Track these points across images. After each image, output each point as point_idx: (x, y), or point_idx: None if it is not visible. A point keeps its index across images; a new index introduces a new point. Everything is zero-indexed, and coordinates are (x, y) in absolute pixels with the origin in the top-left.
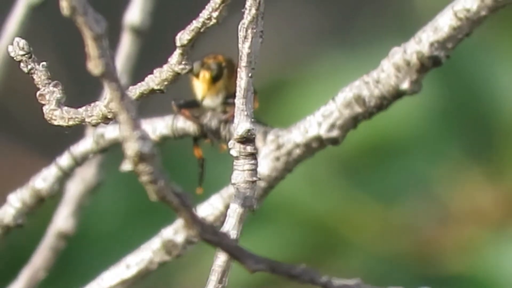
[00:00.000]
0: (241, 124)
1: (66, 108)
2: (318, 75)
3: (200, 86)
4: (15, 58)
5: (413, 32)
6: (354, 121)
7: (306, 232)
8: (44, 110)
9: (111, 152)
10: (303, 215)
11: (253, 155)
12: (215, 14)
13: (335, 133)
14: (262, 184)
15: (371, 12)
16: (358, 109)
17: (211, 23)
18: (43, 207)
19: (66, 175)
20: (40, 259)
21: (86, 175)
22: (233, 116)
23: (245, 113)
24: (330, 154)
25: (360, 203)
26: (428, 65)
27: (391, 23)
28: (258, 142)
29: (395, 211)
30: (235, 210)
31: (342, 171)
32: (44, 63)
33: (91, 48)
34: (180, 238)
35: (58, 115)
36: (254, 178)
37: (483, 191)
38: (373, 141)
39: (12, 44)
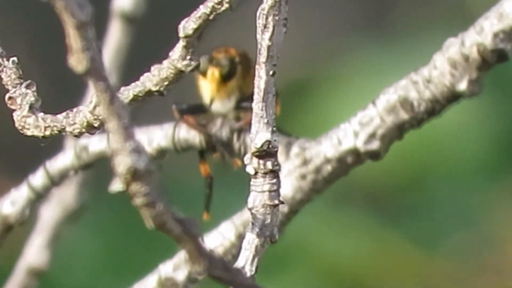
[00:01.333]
0: (259, 134)
1: (41, 114)
2: (354, 73)
3: (208, 87)
4: None
5: (467, 20)
6: (399, 130)
7: (329, 280)
8: (14, 117)
9: (97, 168)
10: (326, 260)
11: (274, 173)
12: None
13: (375, 145)
14: (284, 208)
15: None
16: (404, 115)
17: (223, 8)
18: (11, 236)
19: (40, 197)
20: None
21: (65, 198)
22: (249, 124)
23: (265, 120)
24: (357, 183)
25: (393, 246)
26: (491, 60)
27: (441, 8)
28: (280, 156)
29: (437, 256)
30: (251, 241)
31: (371, 205)
32: (15, 58)
33: (73, 39)
34: (181, 275)
35: (32, 123)
36: (276, 202)
37: None
38: (410, 166)
39: None
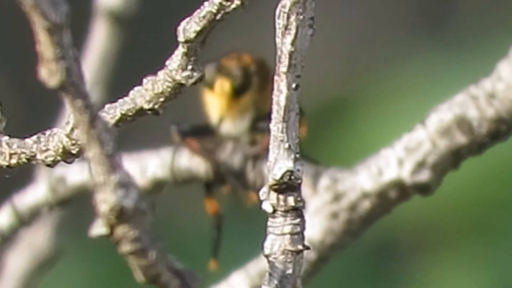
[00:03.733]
0: (279, 162)
1: (6, 138)
2: (398, 87)
3: (216, 103)
4: None
5: None
6: (454, 158)
7: None
8: None
9: (75, 206)
10: None
11: (298, 211)
12: None
13: (425, 175)
14: (311, 255)
15: None
16: (461, 139)
17: (233, 5)
18: None
19: (5, 241)
20: None
21: (36, 242)
22: (266, 150)
23: (286, 144)
24: (401, 224)
25: None
26: None
27: (508, 9)
28: (306, 189)
29: None
30: None
31: (418, 254)
32: None
33: (45, 45)
34: None
35: None
36: (299, 247)
37: None
38: (469, 202)
39: None
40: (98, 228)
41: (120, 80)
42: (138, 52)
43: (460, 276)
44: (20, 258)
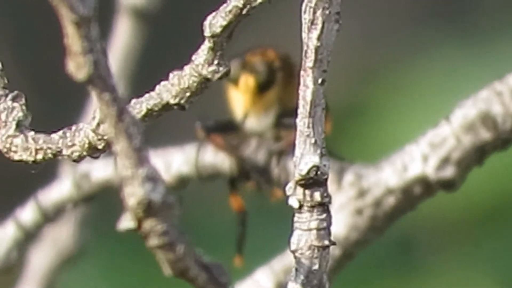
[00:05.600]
0: (305, 158)
1: (32, 133)
2: (422, 81)
3: (240, 99)
4: None
5: None
6: (479, 154)
7: None
8: None
9: (101, 201)
10: None
11: (324, 206)
12: None
13: (449, 171)
14: (336, 251)
15: None
16: (485, 135)
17: (259, 0)
18: None
19: (29, 237)
20: None
21: (60, 238)
22: (291, 145)
23: (312, 140)
24: (426, 220)
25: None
26: None
27: None
28: (331, 185)
29: None
30: None
31: (443, 248)
32: None
33: (73, 39)
34: None
35: (20, 145)
36: (326, 242)
37: None
38: (493, 198)
39: None
40: (126, 222)
41: (146, 75)
42: (163, 47)
43: (480, 272)
44: (44, 254)
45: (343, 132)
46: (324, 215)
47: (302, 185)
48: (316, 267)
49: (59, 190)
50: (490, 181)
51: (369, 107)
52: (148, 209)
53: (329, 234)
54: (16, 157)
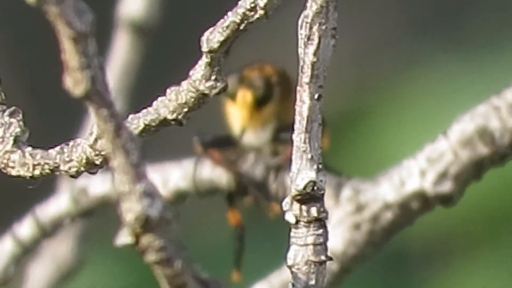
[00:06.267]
0: (301, 173)
1: (29, 149)
2: (420, 96)
3: (238, 114)
4: None
5: None
6: (477, 169)
7: None
8: None
9: (98, 217)
10: None
11: (321, 222)
12: (262, 2)
13: (447, 186)
14: (333, 266)
15: (491, 1)
16: (483, 149)
17: (257, 15)
18: None
19: (27, 252)
20: None
21: (58, 253)
22: (289, 161)
23: (308, 155)
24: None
25: None
26: None
27: None
28: (328, 200)
29: None
30: None
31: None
32: None
33: (70, 54)
34: None
35: (17, 160)
36: (322, 258)
37: None
38: (491, 213)
39: None
40: (124, 238)
41: (142, 91)
42: (160, 62)
43: (474, 285)
44: (42, 269)
45: (340, 147)
46: (320, 231)
47: (298, 201)
48: (312, 282)
49: (57, 205)
50: (487, 196)
51: (367, 121)
52: (146, 224)
53: (326, 249)
54: (13, 172)
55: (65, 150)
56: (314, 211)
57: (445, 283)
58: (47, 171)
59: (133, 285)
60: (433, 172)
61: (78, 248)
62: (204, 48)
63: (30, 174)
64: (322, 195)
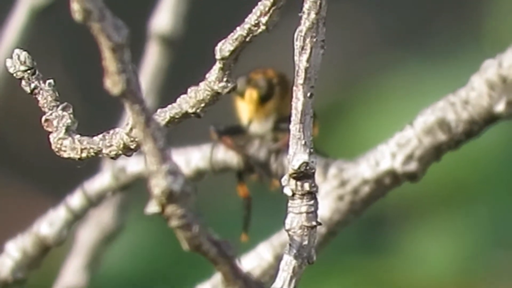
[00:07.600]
0: (297, 156)
1: (78, 136)
2: (391, 93)
3: (245, 108)
4: (15, 75)
5: (508, 41)
6: (436, 152)
7: None
8: (51, 139)
9: (134, 190)
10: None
11: (312, 194)
12: (264, 19)
13: (413, 166)
14: (322, 230)
15: (453, 13)
16: (441, 137)
17: (259, 30)
18: (48, 258)
19: (77, 218)
20: None
21: (102, 219)
22: (286, 145)
23: (302, 141)
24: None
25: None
26: None
27: (480, 27)
28: (318, 177)
29: (475, 279)
30: (288, 262)
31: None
32: (51, 81)
33: (110, 61)
34: None
35: (68, 145)
36: (313, 223)
37: None
38: (447, 187)
39: (11, 57)
40: (152, 207)
41: (169, 90)
42: (183, 67)
43: (439, 242)
44: (89, 232)
45: (328, 134)
46: (312, 202)
47: (294, 178)
48: (306, 242)
49: (101, 181)
50: (444, 173)
51: (349, 114)
52: (170, 197)
53: (316, 216)
54: (65, 155)
55: (107, 137)
56: (307, 186)
57: (409, 240)
58: (92, 154)
59: (161, 244)
60: (402, 154)
61: (118, 216)
62: (218, 56)
63: (78, 156)
64: (313, 173)
